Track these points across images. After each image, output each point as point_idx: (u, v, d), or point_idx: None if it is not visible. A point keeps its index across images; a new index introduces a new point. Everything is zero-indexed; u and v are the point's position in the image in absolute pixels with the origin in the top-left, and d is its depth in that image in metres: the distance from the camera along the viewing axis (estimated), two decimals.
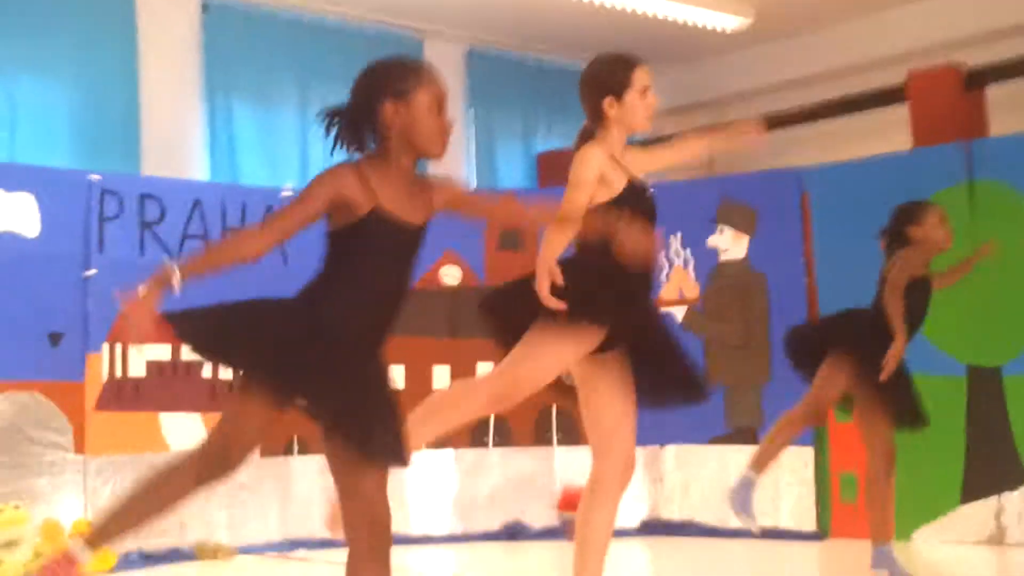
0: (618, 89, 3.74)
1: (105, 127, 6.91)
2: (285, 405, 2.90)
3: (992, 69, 6.81)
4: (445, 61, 8.45)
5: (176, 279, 2.78)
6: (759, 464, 4.87)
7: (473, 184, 8.48)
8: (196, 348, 2.98)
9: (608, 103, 3.74)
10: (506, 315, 3.76)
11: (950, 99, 6.81)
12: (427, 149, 2.98)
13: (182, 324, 2.90)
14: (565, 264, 3.58)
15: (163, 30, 7.15)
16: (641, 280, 3.71)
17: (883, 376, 4.74)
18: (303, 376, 2.83)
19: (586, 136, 3.81)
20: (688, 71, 9.35)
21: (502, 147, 8.54)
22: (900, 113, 7.12)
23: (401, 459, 2.94)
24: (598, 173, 3.66)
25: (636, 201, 3.69)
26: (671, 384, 3.77)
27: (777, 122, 8.04)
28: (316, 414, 2.89)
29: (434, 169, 3.26)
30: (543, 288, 3.52)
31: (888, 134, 7.53)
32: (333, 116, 2.99)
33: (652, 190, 3.82)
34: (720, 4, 7.86)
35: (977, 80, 6.78)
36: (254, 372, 2.89)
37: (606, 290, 3.59)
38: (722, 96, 9.19)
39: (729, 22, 8.00)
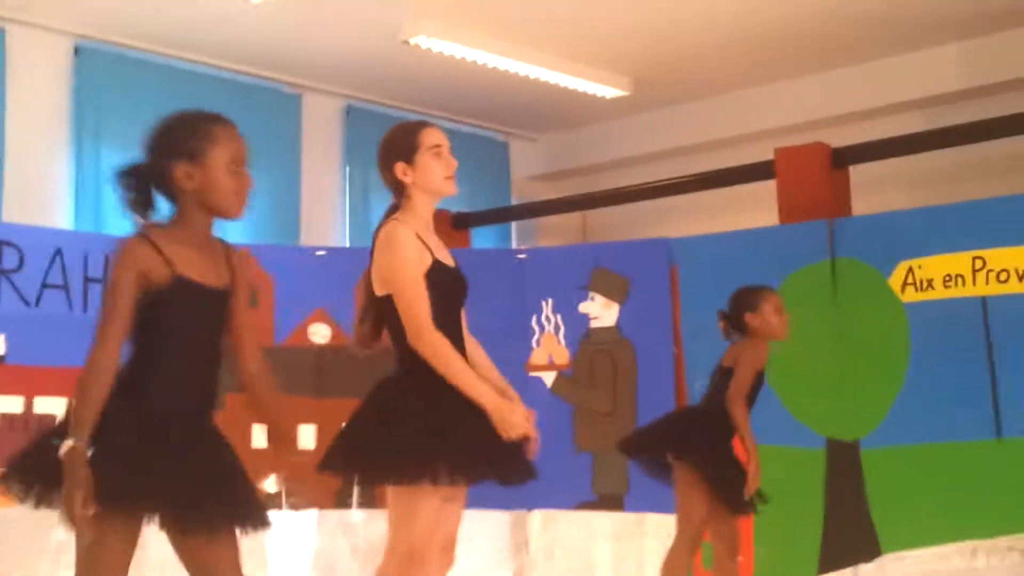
0: (407, 153, 3.64)
1: None
2: (139, 518, 2.74)
3: (856, 149, 7.02)
4: (323, 116, 8.44)
5: (83, 451, 2.63)
6: None
7: (347, 242, 8.43)
8: (32, 500, 2.74)
9: (401, 170, 3.64)
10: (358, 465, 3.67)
11: (816, 177, 6.99)
12: (224, 210, 2.90)
13: (10, 480, 2.74)
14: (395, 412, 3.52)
15: (32, 71, 6.97)
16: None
17: (747, 495, 4.82)
18: (145, 488, 2.68)
19: (390, 214, 3.71)
20: (564, 138, 9.48)
21: (378, 204, 8.50)
22: (769, 187, 7.30)
23: (262, 522, 2.86)
24: (419, 260, 3.55)
25: (444, 279, 3.61)
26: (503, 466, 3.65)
27: (649, 192, 8.20)
28: (168, 519, 2.74)
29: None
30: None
31: (757, 208, 7.71)
32: (124, 177, 2.88)
33: (454, 268, 3.73)
34: (598, 74, 7.99)
35: (842, 159, 6.99)
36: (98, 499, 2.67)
37: (442, 442, 3.47)
38: (598, 163, 9.32)
39: (606, 91, 8.13)
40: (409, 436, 3.46)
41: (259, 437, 6.59)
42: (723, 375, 5.02)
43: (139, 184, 2.86)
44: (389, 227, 3.61)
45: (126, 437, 2.70)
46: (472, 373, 3.52)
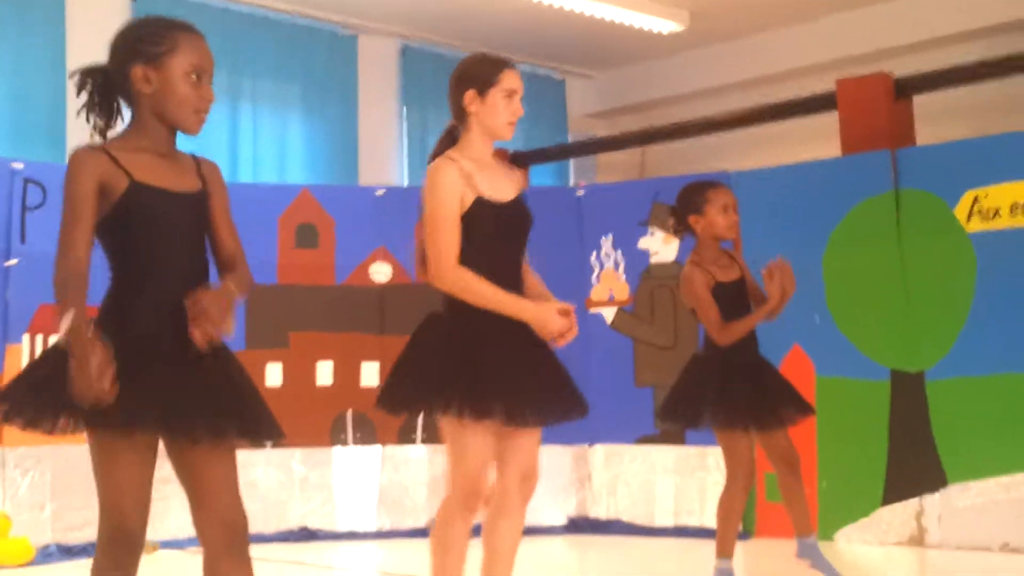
0: (482, 85, 3.56)
1: (31, 115, 6.79)
2: (147, 437, 2.66)
3: (919, 79, 6.91)
4: (379, 57, 8.44)
5: (83, 320, 2.55)
6: (725, 551, 4.71)
7: (406, 181, 8.45)
8: (29, 425, 2.64)
9: (469, 98, 3.57)
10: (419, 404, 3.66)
11: (879, 107, 6.89)
12: (179, 122, 2.74)
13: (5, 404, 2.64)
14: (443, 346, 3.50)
15: (92, 19, 7.03)
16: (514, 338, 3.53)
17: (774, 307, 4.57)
18: (140, 404, 2.58)
19: (446, 140, 3.66)
20: (620, 75, 9.42)
21: (435, 141, 8.50)
22: (830, 120, 7.20)
23: (270, 432, 2.77)
24: (457, 193, 3.50)
25: (485, 218, 3.55)
26: (555, 404, 3.62)
27: (708, 127, 8.13)
28: (173, 434, 2.67)
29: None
30: None
31: (818, 141, 7.63)
32: (85, 78, 2.76)
33: (516, 199, 3.64)
34: (655, 8, 7.91)
35: (905, 89, 6.88)
36: (97, 423, 2.59)
37: (490, 377, 3.45)
38: (655, 99, 9.25)
39: (664, 26, 8.05)
40: (448, 372, 3.46)
41: (324, 374, 6.77)
42: (693, 313, 4.79)
43: (99, 85, 2.74)
44: (434, 164, 3.59)
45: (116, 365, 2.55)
46: (503, 293, 3.48)
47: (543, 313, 3.47)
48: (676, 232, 4.92)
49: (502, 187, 3.65)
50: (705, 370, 4.77)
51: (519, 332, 3.55)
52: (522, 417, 3.50)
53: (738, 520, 4.82)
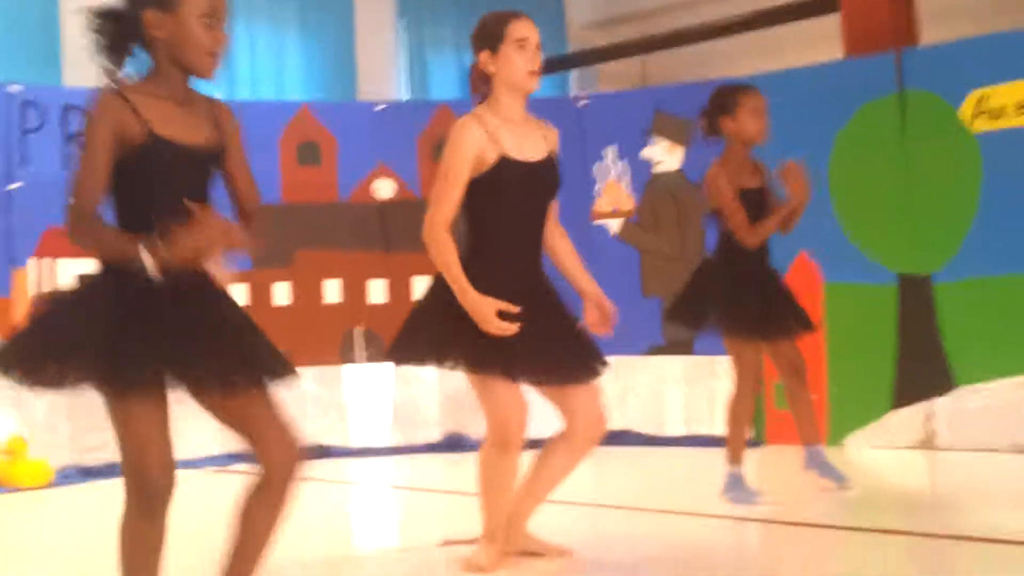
0: (492, 43, 3.62)
1: (24, 36, 6.70)
2: (160, 391, 2.64)
3: None
4: None
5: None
6: (735, 457, 4.74)
7: (406, 95, 8.37)
8: (29, 380, 2.61)
9: (485, 59, 3.64)
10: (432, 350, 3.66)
11: (881, 7, 6.81)
12: (193, 66, 2.72)
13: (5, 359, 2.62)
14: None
15: None
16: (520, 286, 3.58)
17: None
18: (145, 356, 2.57)
19: (478, 99, 3.71)
20: None
21: (433, 58, 8.43)
22: (833, 22, 7.11)
23: (280, 371, 2.76)
24: (473, 154, 3.55)
25: (508, 178, 3.58)
26: (567, 364, 3.66)
27: (709, 33, 8.03)
28: (191, 384, 2.66)
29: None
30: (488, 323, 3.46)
31: (821, 43, 7.53)
32: (99, 21, 2.73)
33: (545, 160, 3.67)
34: None
35: None
36: (106, 376, 2.58)
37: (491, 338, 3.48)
38: (652, 7, 9.13)
39: None
40: (451, 329, 3.52)
41: (332, 291, 6.77)
42: (715, 215, 4.75)
43: (112, 29, 2.71)
44: (459, 121, 3.64)
45: (118, 312, 2.59)
46: (461, 275, 3.48)
47: (480, 309, 3.47)
48: (706, 135, 4.86)
49: (530, 146, 3.66)
50: (714, 276, 4.78)
51: (528, 293, 3.59)
52: (518, 376, 3.56)
53: (747, 426, 4.85)
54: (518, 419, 3.57)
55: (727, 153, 4.77)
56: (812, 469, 4.85)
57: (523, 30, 3.62)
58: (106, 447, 6.04)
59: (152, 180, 2.68)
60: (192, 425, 2.89)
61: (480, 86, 3.71)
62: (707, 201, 4.80)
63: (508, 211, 3.62)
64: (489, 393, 3.56)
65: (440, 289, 3.59)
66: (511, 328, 3.46)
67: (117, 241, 2.63)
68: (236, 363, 2.68)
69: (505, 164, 3.56)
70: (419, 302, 3.71)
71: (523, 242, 3.66)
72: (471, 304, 3.47)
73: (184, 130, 2.71)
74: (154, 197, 2.68)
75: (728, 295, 4.68)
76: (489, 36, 3.64)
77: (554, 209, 3.76)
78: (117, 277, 2.64)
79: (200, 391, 2.67)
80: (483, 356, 3.51)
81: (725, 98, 4.75)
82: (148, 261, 2.59)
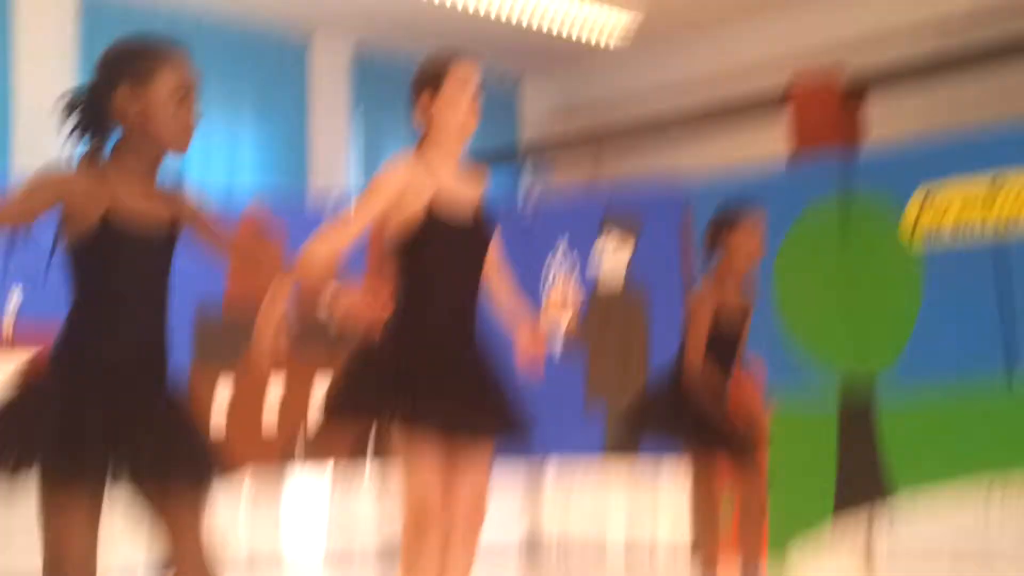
0: (434, 81, 3.51)
1: None
2: (101, 486, 2.60)
3: (872, 78, 6.90)
4: (332, 61, 8.38)
5: None
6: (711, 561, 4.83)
7: (360, 182, 8.40)
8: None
9: (426, 98, 3.51)
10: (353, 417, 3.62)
11: (829, 105, 6.91)
12: (166, 141, 2.70)
13: None
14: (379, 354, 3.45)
15: (40, 28, 6.95)
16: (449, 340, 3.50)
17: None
18: (100, 448, 2.56)
19: (411, 150, 3.58)
20: (572, 73, 9.36)
21: (389, 148, 8.47)
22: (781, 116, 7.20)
23: (208, 474, 2.75)
24: (395, 192, 3.41)
25: (441, 239, 3.46)
26: (491, 420, 3.56)
27: (659, 125, 8.12)
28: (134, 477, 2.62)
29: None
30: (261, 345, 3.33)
31: (770, 132, 7.60)
32: (68, 104, 2.72)
33: (476, 220, 3.54)
34: (604, 10, 7.87)
35: (857, 90, 6.88)
36: (46, 469, 2.54)
37: (430, 387, 3.39)
38: (607, 99, 9.21)
39: (617, 20, 7.98)
40: (384, 381, 3.40)
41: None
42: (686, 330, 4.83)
43: (83, 110, 2.71)
44: (393, 160, 3.53)
45: (67, 398, 2.57)
46: (276, 304, 3.35)
47: (263, 330, 3.34)
48: (706, 253, 4.91)
49: (461, 201, 3.54)
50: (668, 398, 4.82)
51: (465, 352, 3.52)
52: (456, 426, 3.44)
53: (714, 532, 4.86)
54: (434, 498, 3.44)
55: (720, 272, 4.82)
56: None
57: (469, 72, 3.54)
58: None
59: (110, 264, 2.66)
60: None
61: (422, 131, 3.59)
62: (688, 316, 4.81)
63: (441, 277, 3.50)
64: (412, 464, 3.43)
65: (370, 346, 3.49)
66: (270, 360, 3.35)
67: None
68: (182, 457, 2.66)
69: (434, 227, 3.45)
70: (350, 358, 3.54)
71: (456, 307, 3.54)
72: (261, 323, 3.34)
73: (147, 213, 2.70)
74: (111, 282, 2.67)
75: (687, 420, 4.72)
76: (431, 74, 3.52)
77: (493, 256, 3.66)
78: (67, 360, 2.63)
79: (141, 482, 2.63)
80: (420, 410, 3.38)
81: (718, 225, 4.85)
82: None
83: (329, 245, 3.37)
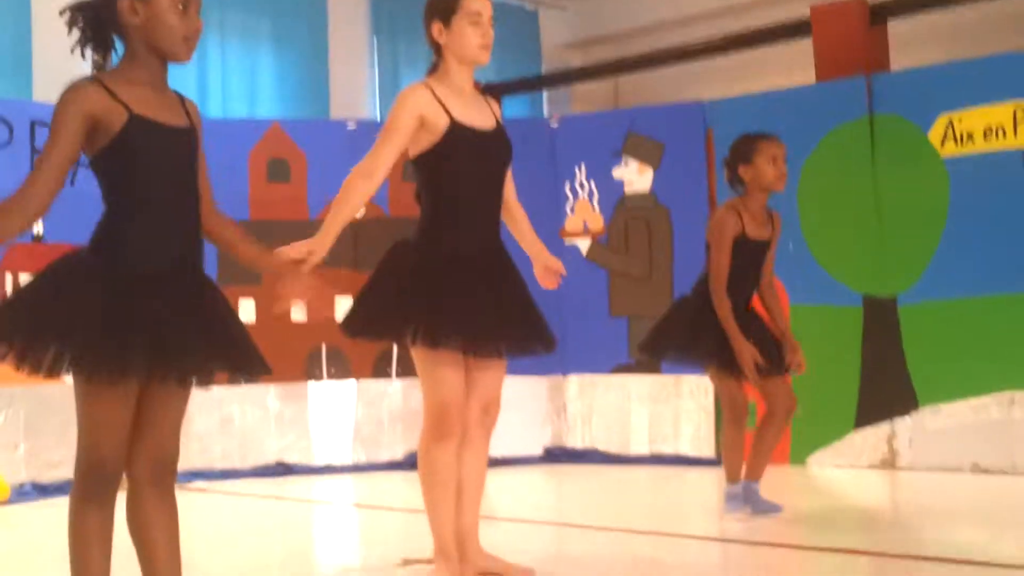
0: (445, 14, 3.57)
1: None
2: (132, 377, 2.62)
3: (894, 3, 6.86)
4: None
5: None
6: (730, 475, 4.79)
7: (378, 114, 8.37)
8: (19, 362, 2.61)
9: (437, 29, 3.59)
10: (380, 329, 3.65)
11: (853, 33, 6.85)
12: (168, 51, 2.74)
13: None
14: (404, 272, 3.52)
15: None
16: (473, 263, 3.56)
17: (749, 379, 4.67)
18: (133, 350, 2.58)
19: (430, 72, 3.67)
20: (593, 4, 9.31)
21: (407, 76, 8.42)
22: (805, 46, 7.15)
23: (258, 368, 2.83)
24: (415, 118, 3.51)
25: (460, 143, 3.54)
26: (515, 337, 3.65)
27: (681, 55, 8.06)
28: (163, 381, 2.67)
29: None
30: None
31: (793, 67, 7.57)
32: (76, 13, 2.76)
33: (495, 129, 3.65)
34: None
35: (879, 14, 6.83)
36: (80, 358, 2.58)
37: (448, 308, 3.46)
38: (629, 28, 9.16)
39: None
40: (407, 300, 3.48)
41: (298, 309, 6.74)
42: (707, 251, 4.81)
43: (89, 20, 2.75)
44: (406, 87, 3.61)
45: (96, 298, 2.60)
46: (341, 221, 3.45)
47: (317, 249, 3.32)
48: (729, 182, 4.90)
49: (480, 116, 3.63)
50: (700, 314, 4.76)
51: (484, 266, 3.58)
52: (479, 347, 3.53)
53: (739, 450, 4.83)
54: (457, 404, 3.53)
55: (743, 199, 4.81)
56: (746, 503, 4.83)
57: (477, 4, 3.58)
58: (63, 464, 6.05)
59: (139, 160, 2.69)
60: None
61: (434, 56, 3.66)
62: (708, 235, 4.80)
63: (463, 178, 3.58)
64: (433, 373, 3.51)
65: (396, 261, 3.57)
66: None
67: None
68: (216, 355, 2.72)
69: (456, 130, 3.53)
70: (373, 275, 3.63)
71: (480, 209, 3.62)
72: (320, 243, 3.37)
73: (162, 112, 2.74)
74: (142, 178, 2.70)
75: (716, 336, 4.68)
76: (443, 7, 3.59)
77: (510, 184, 3.76)
78: (101, 260, 2.65)
79: (174, 380, 2.68)
80: (442, 330, 3.45)
81: (742, 146, 4.83)
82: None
83: (368, 164, 3.49)
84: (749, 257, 4.77)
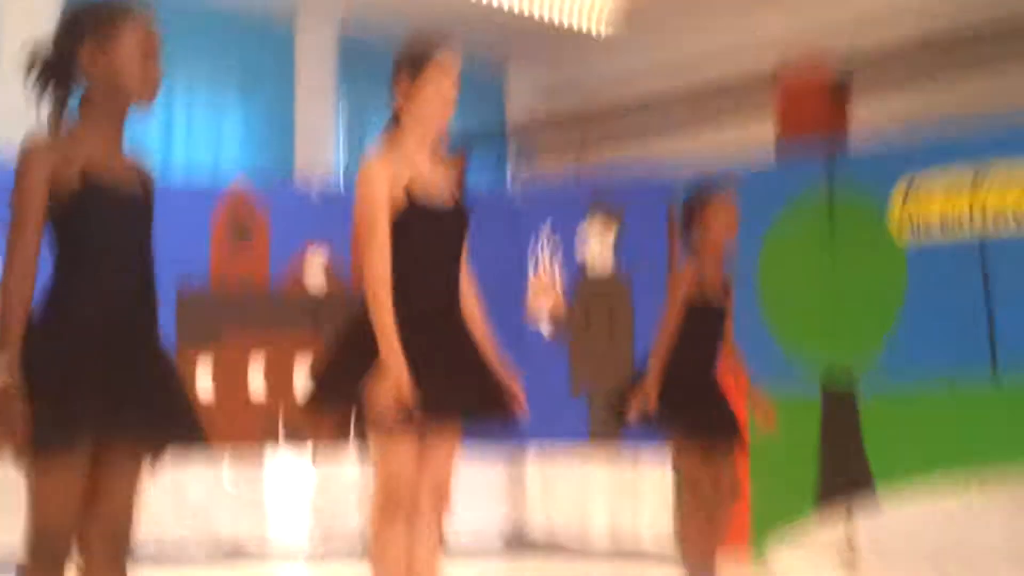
0: (414, 66, 3.49)
1: None
2: (79, 448, 2.59)
3: (859, 65, 6.90)
4: (317, 46, 8.30)
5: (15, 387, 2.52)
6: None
7: (342, 171, 8.35)
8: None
9: (403, 88, 3.50)
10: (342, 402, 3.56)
11: (816, 97, 6.90)
12: (133, 91, 2.74)
13: None
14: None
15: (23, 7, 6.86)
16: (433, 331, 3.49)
17: (630, 417, 4.62)
18: (74, 420, 2.55)
19: (385, 134, 3.57)
20: (558, 57, 9.28)
21: (372, 133, 8.41)
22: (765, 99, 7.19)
23: (193, 434, 2.78)
24: (387, 201, 3.42)
25: (415, 223, 3.46)
26: (472, 405, 3.55)
27: (645, 109, 8.08)
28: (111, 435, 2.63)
29: None
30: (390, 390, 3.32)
31: (758, 116, 7.56)
32: (33, 63, 2.74)
33: (450, 204, 3.55)
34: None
35: (844, 81, 6.88)
36: (35, 435, 2.52)
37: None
38: (591, 81, 9.15)
39: (598, 25, 7.94)
40: (359, 369, 3.37)
41: (257, 374, 6.67)
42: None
43: (48, 74, 2.72)
44: (365, 165, 3.51)
45: (54, 363, 2.58)
46: (391, 334, 3.34)
47: (396, 377, 3.30)
48: (683, 232, 4.86)
49: (436, 187, 3.55)
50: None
51: (439, 330, 3.51)
52: (436, 415, 3.42)
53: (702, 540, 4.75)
54: (407, 477, 3.43)
55: (697, 259, 4.78)
56: None
57: (444, 64, 3.52)
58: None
59: (87, 223, 2.67)
60: None
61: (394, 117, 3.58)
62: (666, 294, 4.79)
63: (423, 260, 3.50)
64: (385, 449, 3.42)
65: (354, 333, 3.49)
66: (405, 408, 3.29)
67: (11, 362, 2.55)
68: (161, 422, 2.69)
69: (415, 212, 3.46)
70: (333, 341, 3.57)
71: (439, 289, 3.54)
72: (395, 368, 3.30)
73: (118, 174, 2.72)
74: (88, 239, 2.67)
75: (671, 400, 4.65)
76: (409, 66, 3.51)
77: (465, 267, 3.65)
78: (53, 323, 2.63)
79: (123, 441, 2.65)
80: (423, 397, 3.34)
81: (692, 204, 4.80)
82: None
83: (384, 270, 3.40)
84: (703, 326, 4.75)
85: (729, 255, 4.84)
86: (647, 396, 4.58)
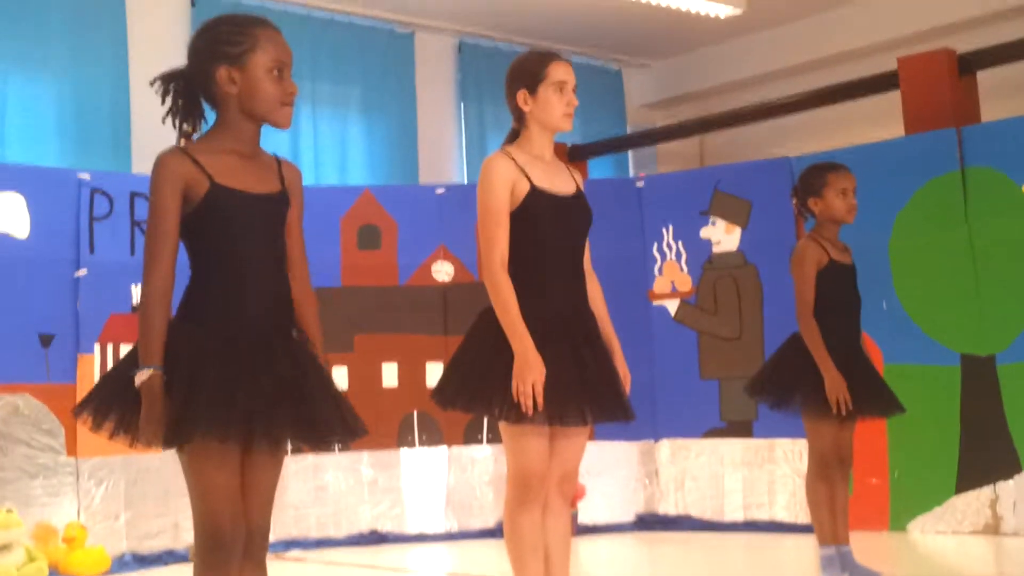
0: (531, 82, 3.60)
1: (95, 125, 6.86)
2: (234, 441, 2.66)
3: (983, 54, 6.77)
4: (436, 54, 8.45)
5: (159, 380, 2.64)
6: (821, 537, 4.64)
7: (465, 178, 8.45)
8: (107, 430, 2.73)
9: (522, 97, 3.61)
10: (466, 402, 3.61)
11: (942, 85, 6.77)
12: (267, 117, 2.79)
13: (84, 410, 2.73)
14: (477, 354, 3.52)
15: (152, 25, 7.10)
16: (567, 330, 3.54)
17: (835, 410, 4.50)
18: (223, 416, 2.63)
19: (509, 139, 3.69)
20: (677, 63, 9.33)
21: (493, 140, 8.50)
22: (892, 100, 7.08)
23: (352, 432, 2.83)
24: (507, 189, 3.52)
25: (540, 208, 3.53)
26: (596, 407, 3.59)
27: (767, 112, 8.03)
28: (264, 433, 2.70)
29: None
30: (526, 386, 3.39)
31: (881, 121, 7.50)
32: (167, 84, 2.81)
33: (576, 195, 3.64)
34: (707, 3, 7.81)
35: (968, 65, 6.75)
36: (187, 427, 2.62)
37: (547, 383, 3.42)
38: (713, 86, 9.15)
39: (720, 10, 7.95)
40: (494, 372, 3.45)
41: (389, 376, 6.79)
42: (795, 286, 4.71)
43: (181, 90, 2.79)
44: (488, 158, 3.62)
45: (198, 364, 2.65)
46: (519, 322, 3.42)
47: (529, 363, 3.38)
48: (798, 214, 4.88)
49: (560, 181, 3.64)
50: (801, 352, 4.66)
51: (568, 331, 3.55)
52: (563, 419, 3.50)
53: (827, 505, 4.68)
54: (540, 469, 3.52)
55: (818, 229, 4.76)
56: (844, 570, 4.69)
57: (563, 73, 3.62)
58: (162, 534, 6.14)
59: (220, 228, 2.73)
60: None
61: (516, 123, 3.68)
62: (792, 271, 4.73)
63: (544, 243, 3.56)
64: (517, 442, 3.51)
65: (485, 329, 3.54)
66: (539, 394, 3.37)
67: (157, 338, 2.67)
68: (314, 420, 2.74)
69: (536, 195, 3.53)
70: (462, 344, 3.62)
71: (563, 275, 3.61)
72: (523, 353, 3.39)
73: (248, 180, 2.77)
74: (223, 246, 2.74)
75: (816, 374, 4.57)
76: (529, 76, 3.61)
77: (587, 253, 3.72)
78: (188, 327, 2.70)
79: (272, 445, 2.72)
80: (555, 402, 3.43)
81: (812, 178, 4.77)
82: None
83: (501, 256, 3.49)
84: (843, 282, 4.70)
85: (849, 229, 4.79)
86: (836, 389, 4.50)
